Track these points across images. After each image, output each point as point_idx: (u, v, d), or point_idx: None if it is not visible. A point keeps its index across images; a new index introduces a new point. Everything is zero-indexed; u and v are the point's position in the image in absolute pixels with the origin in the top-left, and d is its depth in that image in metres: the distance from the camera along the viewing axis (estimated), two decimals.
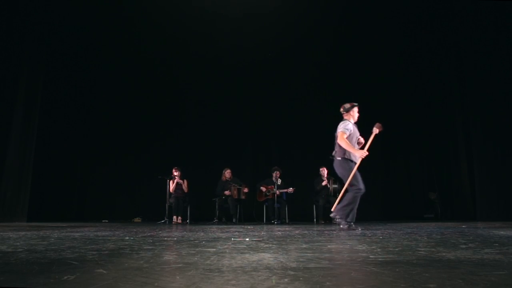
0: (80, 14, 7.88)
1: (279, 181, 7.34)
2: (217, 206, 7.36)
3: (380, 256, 1.82)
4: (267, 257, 1.79)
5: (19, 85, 6.82)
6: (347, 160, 4.20)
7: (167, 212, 7.02)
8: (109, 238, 3.02)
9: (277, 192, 7.21)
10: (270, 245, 2.39)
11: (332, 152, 4.45)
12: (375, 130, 4.32)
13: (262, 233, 3.73)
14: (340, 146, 4.24)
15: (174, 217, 7.02)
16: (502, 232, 3.51)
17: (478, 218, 6.95)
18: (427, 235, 3.33)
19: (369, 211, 8.41)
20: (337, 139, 4.29)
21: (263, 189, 7.43)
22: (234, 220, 7.30)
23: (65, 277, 1.31)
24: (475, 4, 7.34)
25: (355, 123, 4.40)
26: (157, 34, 8.43)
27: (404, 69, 8.89)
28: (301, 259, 1.72)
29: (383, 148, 8.47)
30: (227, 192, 7.39)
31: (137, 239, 2.93)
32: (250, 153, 9.07)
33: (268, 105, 8.90)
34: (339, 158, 4.25)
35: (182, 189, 7.33)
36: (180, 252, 2.04)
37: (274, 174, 7.38)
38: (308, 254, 1.90)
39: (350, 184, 4.11)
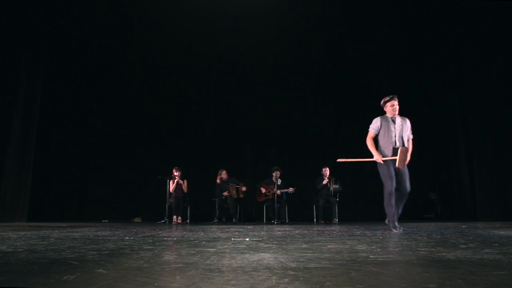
0: (80, 14, 7.87)
1: (279, 181, 7.34)
2: (217, 206, 7.35)
3: (380, 256, 1.82)
4: (267, 257, 1.79)
5: (19, 84, 6.81)
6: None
7: (167, 212, 7.02)
8: (109, 238, 3.02)
9: (278, 192, 7.21)
10: (270, 245, 2.39)
11: None
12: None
13: (262, 233, 3.73)
14: None
15: (174, 217, 7.02)
16: (502, 232, 3.51)
17: (478, 218, 6.95)
18: (427, 235, 3.33)
19: (369, 211, 8.43)
20: None
21: (263, 190, 7.43)
22: (234, 220, 7.30)
23: (65, 277, 1.31)
24: (475, 4, 7.34)
25: (399, 115, 4.23)
26: (157, 34, 8.42)
27: (404, 69, 8.89)
28: (301, 259, 1.72)
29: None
30: (226, 193, 7.38)
31: (137, 239, 2.93)
32: (250, 153, 9.07)
33: (268, 105, 8.90)
34: None
35: (182, 189, 7.33)
36: (180, 252, 2.04)
37: (274, 174, 7.38)
38: (308, 254, 1.90)
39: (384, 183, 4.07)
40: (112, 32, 8.39)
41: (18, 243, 2.51)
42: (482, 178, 7.09)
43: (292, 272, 1.39)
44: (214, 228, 4.84)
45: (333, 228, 4.79)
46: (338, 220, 7.10)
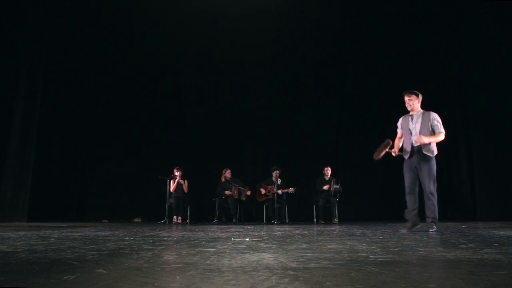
0: (80, 14, 7.87)
1: (279, 181, 7.34)
2: (217, 206, 7.35)
3: (380, 256, 1.82)
4: (267, 257, 1.79)
5: (19, 85, 6.81)
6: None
7: (167, 212, 7.02)
8: (109, 238, 3.02)
9: (280, 191, 7.21)
10: (270, 245, 2.39)
11: None
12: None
13: (262, 233, 3.73)
14: None
15: (174, 217, 7.02)
16: (502, 232, 3.51)
17: (478, 218, 6.95)
18: (427, 235, 3.33)
19: (369, 211, 8.44)
20: None
21: (263, 190, 7.44)
22: (234, 220, 7.30)
23: (65, 277, 1.31)
24: (475, 4, 7.34)
25: (424, 110, 4.18)
26: (157, 34, 8.42)
27: (404, 69, 8.88)
28: (301, 259, 1.72)
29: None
30: (227, 192, 7.38)
31: (137, 239, 2.93)
32: (250, 153, 9.07)
33: (268, 105, 8.90)
34: None
35: (182, 189, 7.33)
36: (180, 252, 2.04)
37: (274, 174, 7.38)
38: (308, 254, 1.90)
39: None
40: (112, 32, 8.39)
41: (18, 243, 2.51)
42: (482, 178, 7.09)
43: (292, 272, 1.39)
44: (214, 228, 4.84)
45: (333, 228, 4.79)
46: (338, 220, 7.10)
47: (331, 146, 8.98)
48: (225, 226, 5.36)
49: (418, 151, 3.93)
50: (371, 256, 1.82)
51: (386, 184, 8.85)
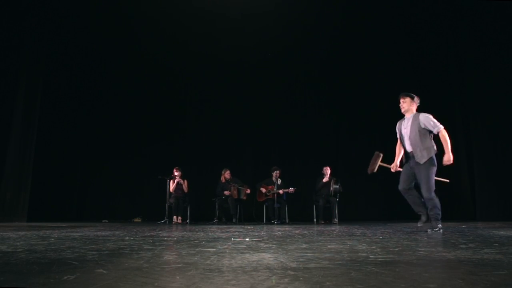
0: (80, 14, 7.87)
1: (279, 181, 7.34)
2: (217, 206, 7.35)
3: (380, 256, 1.82)
4: (267, 257, 1.79)
5: (19, 85, 6.81)
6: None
7: (167, 212, 7.02)
8: (109, 238, 3.02)
9: (281, 191, 7.21)
10: (270, 245, 2.39)
11: None
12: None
13: (262, 233, 3.73)
14: None
15: (174, 217, 7.02)
16: (502, 232, 3.51)
17: (478, 218, 6.95)
18: (427, 235, 3.33)
19: (369, 211, 8.44)
20: None
21: (263, 190, 7.43)
22: (234, 220, 7.30)
23: (65, 277, 1.31)
24: (475, 4, 7.34)
25: (417, 112, 4.07)
26: (158, 34, 8.42)
27: (404, 69, 8.88)
28: (301, 259, 1.72)
29: (383, 147, 8.46)
30: (227, 192, 7.38)
31: (137, 239, 2.93)
32: (250, 153, 9.07)
33: (268, 105, 8.90)
34: None
35: (182, 189, 7.33)
36: (180, 252, 2.04)
37: (274, 174, 7.38)
38: (308, 254, 1.90)
39: None
40: (112, 32, 8.39)
41: (18, 243, 2.51)
42: (482, 178, 7.09)
43: (292, 272, 1.39)
44: (214, 228, 4.84)
45: (333, 228, 4.79)
46: (338, 220, 7.10)
47: (331, 146, 8.98)
48: (225, 226, 5.36)
49: (413, 157, 3.86)
50: (371, 256, 1.82)
51: (386, 184, 8.85)
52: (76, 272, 1.41)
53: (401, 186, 3.99)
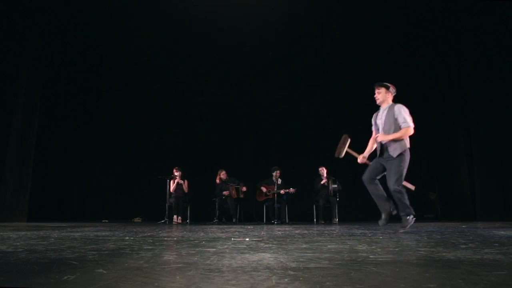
0: (80, 14, 7.87)
1: (279, 181, 7.34)
2: (217, 206, 7.36)
3: (380, 256, 1.82)
4: (267, 257, 1.79)
5: (19, 85, 6.81)
6: None
7: (167, 212, 7.02)
8: (109, 238, 3.02)
9: (282, 191, 7.21)
10: (270, 245, 2.39)
11: None
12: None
13: (262, 233, 3.73)
14: None
15: (174, 217, 7.02)
16: (502, 232, 3.51)
17: (478, 218, 6.95)
18: (427, 235, 3.33)
19: (369, 211, 8.43)
20: None
21: (264, 189, 7.43)
22: (234, 220, 7.30)
23: (65, 277, 1.31)
24: (475, 4, 7.34)
25: (394, 103, 3.92)
26: (157, 34, 8.42)
27: (404, 68, 8.89)
28: (301, 259, 1.72)
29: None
30: (225, 193, 7.39)
31: (137, 239, 2.93)
32: (250, 153, 9.07)
33: (268, 104, 8.90)
34: None
35: (182, 189, 7.33)
36: (180, 252, 2.04)
37: (274, 174, 7.38)
38: (308, 254, 1.90)
39: None
40: (112, 32, 8.38)
41: (18, 243, 2.51)
42: (482, 178, 7.08)
43: (292, 272, 1.39)
44: (214, 228, 4.84)
45: (333, 228, 4.79)
46: (338, 220, 7.10)
47: (331, 146, 8.97)
48: (225, 226, 5.36)
49: (386, 149, 3.72)
50: (371, 256, 1.82)
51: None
52: (76, 272, 1.41)
53: (365, 176, 3.86)
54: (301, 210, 8.07)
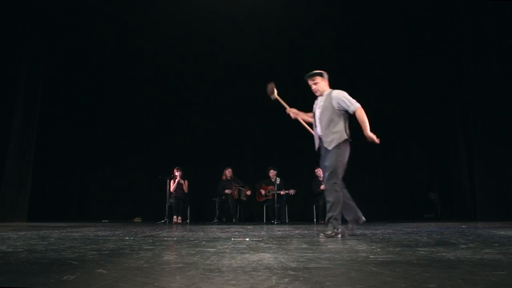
0: (80, 14, 7.86)
1: (278, 180, 7.33)
2: (217, 206, 7.36)
3: (380, 256, 1.82)
4: (267, 257, 1.79)
5: (19, 85, 6.81)
6: None
7: (167, 212, 7.02)
8: (109, 238, 3.02)
9: (282, 192, 7.21)
10: (270, 245, 2.39)
11: None
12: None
13: (262, 233, 3.73)
14: None
15: (174, 217, 7.02)
16: (502, 232, 3.51)
17: (478, 218, 6.94)
18: (427, 235, 3.33)
19: (369, 211, 8.42)
20: None
21: (263, 191, 7.44)
22: (234, 220, 7.30)
23: (65, 277, 1.31)
24: (475, 4, 7.33)
25: (332, 91, 3.67)
26: (158, 34, 8.41)
27: (404, 68, 8.88)
28: (301, 259, 1.72)
29: (383, 148, 8.47)
30: (227, 191, 7.39)
31: (137, 239, 2.93)
32: (250, 153, 9.07)
33: (268, 104, 8.86)
34: None
35: (182, 189, 7.33)
36: (180, 252, 2.04)
37: (271, 174, 7.40)
38: (308, 254, 1.90)
39: None
40: (112, 32, 8.38)
41: (18, 243, 2.51)
42: (482, 177, 7.08)
43: (292, 272, 1.39)
44: (214, 228, 4.84)
45: None
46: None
47: None
48: (225, 226, 5.36)
49: (322, 143, 3.42)
50: (371, 256, 1.82)
51: (386, 184, 8.86)
52: (76, 272, 1.41)
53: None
54: (301, 210, 8.07)
